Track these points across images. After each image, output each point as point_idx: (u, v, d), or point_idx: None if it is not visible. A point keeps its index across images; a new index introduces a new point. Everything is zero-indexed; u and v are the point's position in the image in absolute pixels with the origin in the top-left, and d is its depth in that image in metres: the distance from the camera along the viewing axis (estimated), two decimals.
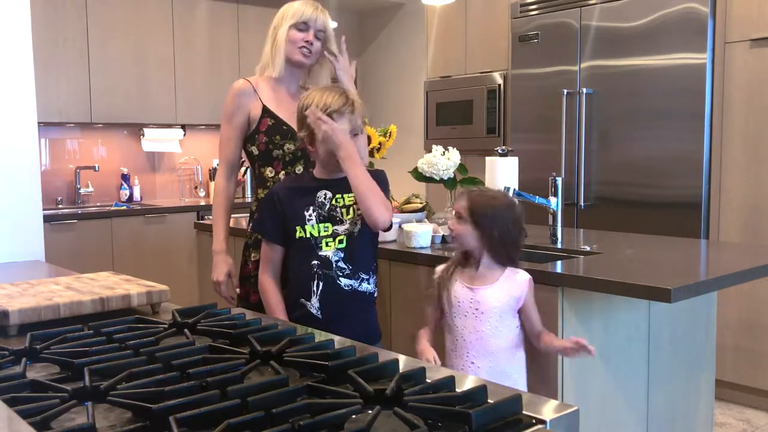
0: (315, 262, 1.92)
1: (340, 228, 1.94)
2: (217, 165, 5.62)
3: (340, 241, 1.93)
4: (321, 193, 1.96)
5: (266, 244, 2.01)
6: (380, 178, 2.00)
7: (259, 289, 2.03)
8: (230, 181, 2.37)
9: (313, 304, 1.93)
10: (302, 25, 2.22)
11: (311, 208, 1.94)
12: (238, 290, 2.28)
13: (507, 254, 1.96)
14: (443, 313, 2.03)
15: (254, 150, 2.27)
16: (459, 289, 1.96)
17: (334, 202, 1.95)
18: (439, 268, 2.06)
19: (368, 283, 1.97)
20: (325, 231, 1.93)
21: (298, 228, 1.93)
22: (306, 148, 1.97)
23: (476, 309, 1.93)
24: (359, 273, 1.96)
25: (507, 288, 1.94)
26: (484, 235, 1.93)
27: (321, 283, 1.93)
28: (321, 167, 1.99)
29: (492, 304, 1.92)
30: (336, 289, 1.93)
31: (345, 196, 1.95)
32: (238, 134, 2.29)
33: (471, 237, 1.94)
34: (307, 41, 2.23)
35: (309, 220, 1.93)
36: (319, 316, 1.92)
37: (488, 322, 1.93)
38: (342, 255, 1.93)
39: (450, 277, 1.99)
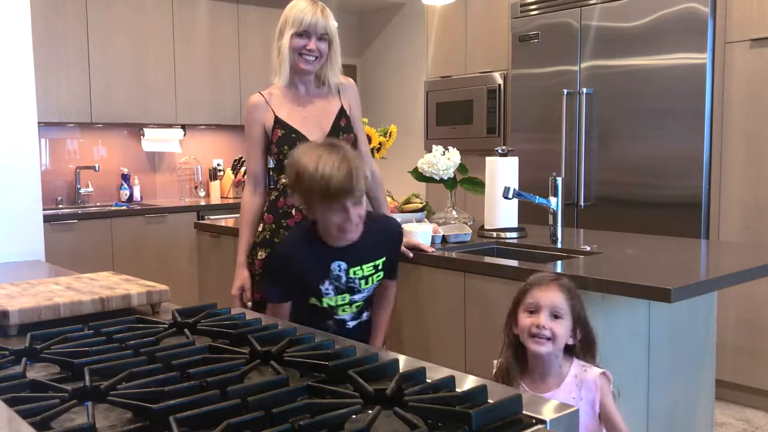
0: (330, 322, 1.92)
1: (358, 296, 1.91)
2: (218, 165, 5.64)
3: (357, 306, 1.93)
4: (335, 266, 1.83)
5: (274, 305, 1.91)
6: (398, 233, 1.99)
7: None
8: (255, 195, 2.35)
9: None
10: (303, 33, 2.20)
11: (327, 281, 1.84)
12: (249, 303, 2.28)
13: (591, 346, 1.66)
14: None
15: (272, 160, 2.32)
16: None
17: (351, 274, 1.85)
18: (496, 365, 1.73)
19: (368, 311, 1.99)
20: (342, 301, 1.89)
21: (312, 299, 1.87)
22: (303, 212, 1.83)
23: None
24: (363, 312, 1.98)
25: (576, 392, 1.61)
26: (579, 327, 1.64)
27: (331, 331, 1.93)
28: (327, 233, 1.80)
29: None
30: (343, 331, 1.94)
31: (364, 267, 1.86)
32: (258, 148, 2.32)
33: (567, 334, 1.62)
34: (309, 49, 2.21)
35: (326, 293, 1.86)
36: None
37: None
38: (355, 313, 1.95)
39: (511, 380, 1.66)
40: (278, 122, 2.26)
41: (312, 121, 2.28)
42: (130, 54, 4.87)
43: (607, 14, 3.81)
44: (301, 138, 2.23)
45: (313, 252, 1.80)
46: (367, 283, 1.89)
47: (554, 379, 1.62)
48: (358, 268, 1.83)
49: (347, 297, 1.87)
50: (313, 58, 2.23)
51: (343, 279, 1.83)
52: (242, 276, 2.30)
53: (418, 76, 5.70)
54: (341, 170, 1.63)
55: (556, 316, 1.60)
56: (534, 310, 1.61)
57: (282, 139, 2.25)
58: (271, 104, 2.29)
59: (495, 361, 1.73)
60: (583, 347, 1.64)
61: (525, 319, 1.61)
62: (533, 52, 4.19)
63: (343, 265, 1.81)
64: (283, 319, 1.87)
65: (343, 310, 1.90)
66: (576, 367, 1.63)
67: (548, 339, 1.59)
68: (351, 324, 1.95)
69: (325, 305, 1.86)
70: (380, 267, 1.90)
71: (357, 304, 1.90)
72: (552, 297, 1.61)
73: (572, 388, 1.60)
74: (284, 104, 2.29)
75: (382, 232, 1.90)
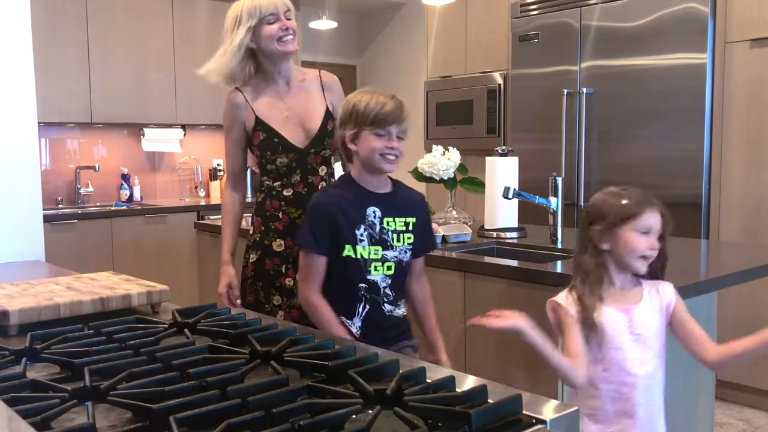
0: (363, 285, 1.87)
1: (390, 254, 1.87)
2: (218, 165, 5.64)
3: (389, 268, 1.88)
4: (370, 210, 1.86)
5: (310, 258, 1.86)
6: (422, 198, 2.00)
7: (310, 308, 1.88)
8: (235, 192, 2.31)
9: (355, 323, 1.89)
10: (271, 17, 2.12)
11: (362, 227, 1.85)
12: (238, 301, 2.25)
13: (665, 263, 1.73)
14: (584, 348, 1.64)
15: (255, 159, 2.27)
16: (610, 314, 1.64)
17: (385, 224, 1.87)
18: (564, 298, 1.67)
19: (400, 309, 1.94)
20: (375, 254, 1.86)
21: (347, 246, 1.84)
22: (347, 146, 1.88)
23: (638, 334, 1.64)
24: (398, 300, 1.93)
25: (655, 302, 1.68)
26: (665, 247, 1.69)
27: (368, 306, 1.88)
28: (363, 169, 1.88)
29: (651, 325, 1.65)
30: (380, 314, 1.89)
31: (396, 219, 1.87)
32: (238, 146, 2.25)
33: None
34: (285, 29, 2.13)
35: (360, 240, 1.85)
36: (358, 335, 1.88)
37: (652, 349, 1.66)
38: (389, 282, 1.89)
39: (590, 306, 1.63)
40: (259, 123, 2.18)
41: (295, 120, 2.19)
42: (130, 54, 4.87)
43: (607, 14, 3.81)
44: (284, 143, 2.16)
45: (352, 194, 1.88)
46: (399, 241, 1.88)
47: (634, 296, 1.68)
48: (391, 219, 1.87)
49: (380, 251, 1.86)
50: (291, 37, 2.15)
51: (377, 227, 1.86)
52: (229, 273, 2.25)
53: (418, 76, 5.70)
54: (393, 100, 1.86)
55: (659, 238, 1.67)
56: (646, 232, 1.65)
57: (264, 143, 2.17)
58: (250, 103, 2.20)
59: (558, 297, 1.70)
60: (660, 265, 1.71)
61: (642, 242, 1.63)
62: (533, 52, 4.19)
63: (378, 212, 1.86)
64: (317, 277, 1.86)
65: (376, 269, 1.86)
66: (647, 283, 1.69)
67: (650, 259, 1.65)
68: (387, 307, 1.90)
69: (359, 256, 1.85)
70: (411, 227, 1.90)
71: (388, 264, 1.87)
72: (658, 220, 1.67)
73: (651, 300, 1.66)
74: (264, 102, 2.20)
75: (407, 192, 1.98)
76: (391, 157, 1.83)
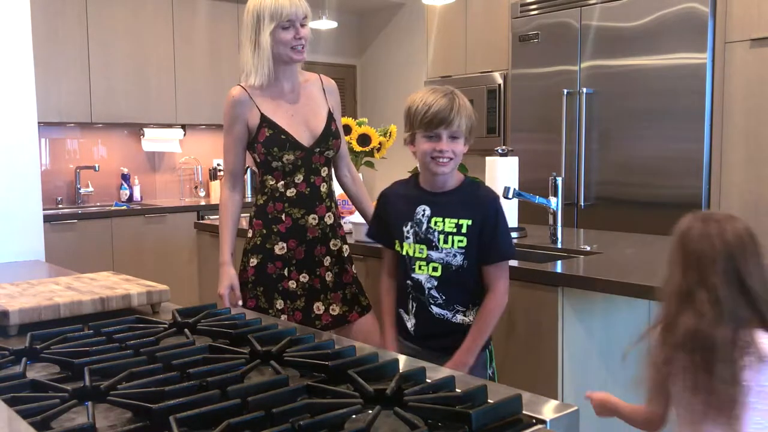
0: (409, 282, 1.87)
1: (434, 254, 1.82)
2: (218, 165, 5.64)
3: (434, 269, 1.83)
4: (420, 209, 1.85)
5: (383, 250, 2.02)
6: (491, 200, 1.85)
7: (380, 291, 2.01)
8: (234, 191, 2.27)
9: (410, 319, 1.89)
10: (287, 23, 2.11)
11: (409, 224, 1.86)
12: (240, 302, 2.18)
13: None
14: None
15: (256, 158, 2.23)
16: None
17: (432, 224, 1.83)
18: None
19: (464, 315, 1.84)
20: (419, 253, 1.84)
21: (396, 241, 1.89)
22: (409, 147, 1.91)
23: None
24: (454, 305, 1.84)
25: None
26: None
27: (415, 304, 1.87)
28: (422, 169, 1.89)
29: None
30: (428, 315, 1.85)
31: (446, 220, 1.82)
32: (239, 144, 2.22)
33: None
34: (298, 38, 2.13)
35: (407, 237, 1.86)
36: (413, 332, 1.88)
37: None
38: (435, 283, 1.83)
39: None
40: (265, 120, 2.16)
41: (299, 119, 2.19)
42: (130, 54, 4.87)
43: (607, 14, 3.81)
44: (291, 140, 2.15)
45: (406, 191, 1.93)
46: (446, 242, 1.81)
47: None
48: (440, 219, 1.83)
49: (425, 250, 1.83)
50: (303, 46, 2.15)
51: (424, 226, 1.84)
52: (230, 274, 2.17)
53: (418, 76, 5.69)
54: (443, 99, 1.78)
55: None
56: None
57: (270, 139, 2.15)
58: (255, 100, 2.18)
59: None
60: None
61: None
62: (533, 52, 4.19)
63: (428, 211, 1.85)
64: (385, 261, 2.01)
65: (420, 268, 1.84)
66: None
67: None
68: (436, 310, 1.84)
69: (404, 252, 1.87)
70: (464, 230, 1.80)
71: (434, 264, 1.82)
72: None
73: None
74: (268, 100, 2.19)
75: (473, 194, 1.88)
76: (443, 160, 1.79)
